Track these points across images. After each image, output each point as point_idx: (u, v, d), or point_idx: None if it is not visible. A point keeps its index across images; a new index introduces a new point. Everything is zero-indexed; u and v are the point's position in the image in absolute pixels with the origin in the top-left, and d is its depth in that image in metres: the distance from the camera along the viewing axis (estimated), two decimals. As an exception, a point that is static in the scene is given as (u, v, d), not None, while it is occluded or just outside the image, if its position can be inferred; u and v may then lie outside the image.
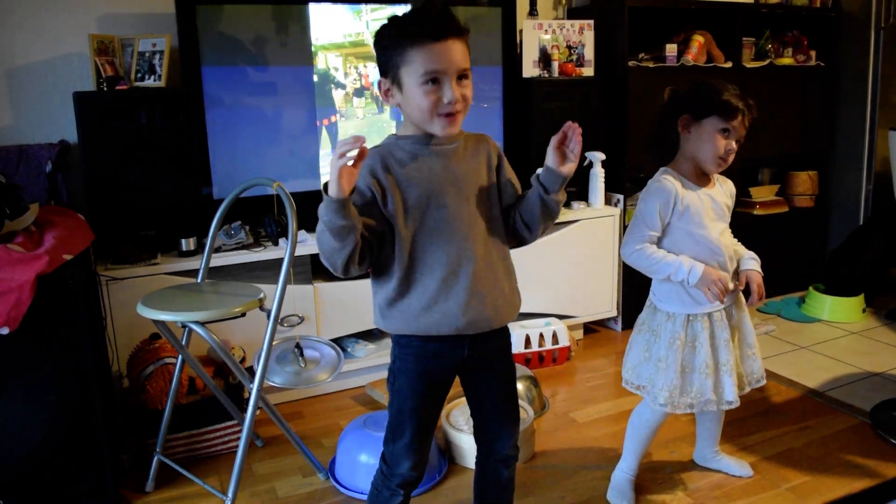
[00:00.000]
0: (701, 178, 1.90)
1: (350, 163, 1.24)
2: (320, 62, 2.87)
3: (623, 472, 2.10)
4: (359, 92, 2.96)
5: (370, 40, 2.94)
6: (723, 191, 1.94)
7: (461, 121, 1.41)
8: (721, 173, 1.92)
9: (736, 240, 1.98)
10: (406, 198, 1.41)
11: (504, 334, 1.58)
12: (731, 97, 1.78)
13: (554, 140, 1.41)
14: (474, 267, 1.44)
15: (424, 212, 1.41)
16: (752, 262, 1.92)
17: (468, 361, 1.51)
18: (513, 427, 1.62)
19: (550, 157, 1.42)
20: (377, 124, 3.02)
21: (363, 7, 2.89)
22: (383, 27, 1.39)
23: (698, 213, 1.84)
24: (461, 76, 1.37)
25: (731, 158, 1.82)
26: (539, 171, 1.48)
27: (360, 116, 2.98)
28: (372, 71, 2.96)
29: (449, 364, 1.51)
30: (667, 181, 1.84)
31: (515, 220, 1.53)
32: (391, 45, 1.36)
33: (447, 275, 1.42)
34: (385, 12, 2.91)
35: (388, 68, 1.38)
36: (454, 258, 1.43)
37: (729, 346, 1.89)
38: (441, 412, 1.59)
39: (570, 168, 1.42)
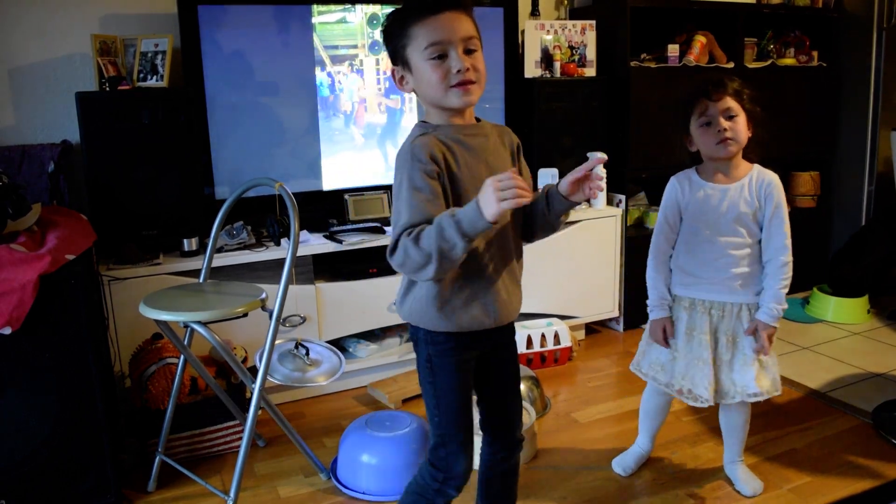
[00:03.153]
0: (721, 174, 1.93)
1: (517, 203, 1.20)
2: (322, 62, 2.87)
3: (635, 445, 2.24)
4: (360, 91, 2.96)
5: (371, 39, 2.94)
6: (747, 189, 1.89)
7: (478, 93, 1.38)
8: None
9: (778, 274, 1.88)
10: (453, 191, 1.38)
11: (513, 322, 1.60)
12: (688, 93, 1.90)
13: (576, 172, 1.37)
14: (509, 264, 1.47)
15: (464, 196, 1.38)
16: (764, 315, 1.89)
17: (489, 350, 1.54)
18: (521, 410, 1.68)
19: (564, 184, 1.40)
20: (372, 124, 3.03)
21: (364, 7, 2.89)
22: (388, 16, 1.41)
23: (700, 212, 1.92)
24: (469, 49, 1.36)
25: (734, 136, 1.83)
26: (551, 185, 1.46)
27: (355, 115, 2.99)
28: (370, 72, 2.97)
29: (476, 354, 1.53)
30: (670, 184, 1.99)
31: None
32: (395, 29, 1.37)
33: (490, 272, 1.43)
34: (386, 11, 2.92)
35: (397, 53, 1.39)
36: (494, 255, 1.43)
37: (704, 343, 1.93)
38: None
39: (579, 198, 1.41)
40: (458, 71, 1.34)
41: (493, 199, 1.19)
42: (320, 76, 2.87)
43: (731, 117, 1.83)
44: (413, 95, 1.48)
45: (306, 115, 2.89)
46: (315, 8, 2.81)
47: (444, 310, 1.42)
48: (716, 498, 2.09)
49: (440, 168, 1.35)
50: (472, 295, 1.43)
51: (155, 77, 2.61)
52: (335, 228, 2.83)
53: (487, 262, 1.43)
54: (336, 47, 2.88)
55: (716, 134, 1.84)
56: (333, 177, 2.97)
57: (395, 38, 1.38)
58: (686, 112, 1.89)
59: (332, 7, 2.84)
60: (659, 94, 3.33)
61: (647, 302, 2.02)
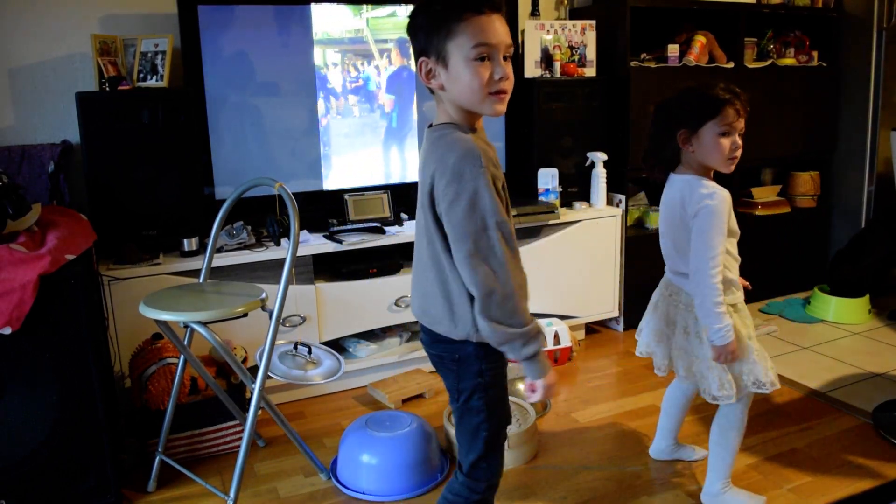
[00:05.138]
0: None
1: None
2: (322, 62, 2.87)
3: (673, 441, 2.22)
4: (356, 91, 2.96)
5: (371, 39, 2.94)
6: None
7: (507, 102, 1.36)
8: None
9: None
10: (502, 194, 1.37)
11: None
12: (716, 94, 1.78)
13: None
14: None
15: (507, 211, 1.38)
16: None
17: None
18: None
19: None
20: (371, 124, 3.03)
21: (364, 7, 2.89)
22: (422, 6, 1.34)
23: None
24: (506, 57, 1.33)
25: (739, 153, 1.81)
26: None
27: (355, 115, 2.99)
28: (372, 70, 2.97)
29: None
30: (725, 193, 1.81)
31: None
32: (436, 20, 1.31)
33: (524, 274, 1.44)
34: (385, 11, 2.92)
35: (431, 46, 1.32)
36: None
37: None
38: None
39: None
40: (500, 78, 1.31)
41: (552, 385, 1.38)
42: (327, 72, 2.87)
43: (740, 136, 1.80)
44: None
45: (306, 115, 2.89)
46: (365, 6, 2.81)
47: None
48: (716, 498, 2.09)
49: (501, 177, 1.35)
50: (525, 295, 1.44)
51: (155, 77, 2.61)
52: (335, 228, 2.83)
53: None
54: (340, 43, 2.89)
55: (731, 148, 1.78)
56: (333, 177, 2.97)
57: (432, 31, 1.31)
58: (708, 112, 1.77)
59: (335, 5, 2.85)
60: (659, 94, 3.31)
61: (725, 324, 1.78)
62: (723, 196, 1.80)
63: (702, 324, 1.84)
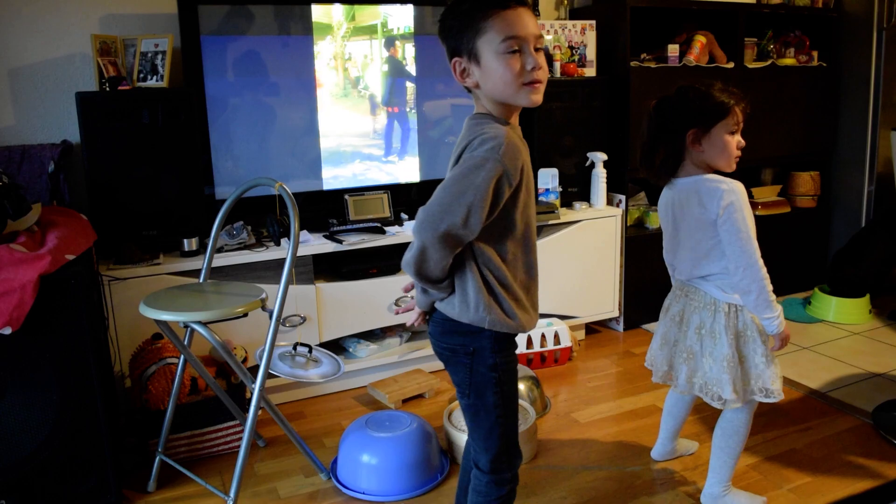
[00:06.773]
0: None
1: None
2: (323, 62, 2.87)
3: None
4: (356, 90, 2.96)
5: (372, 37, 2.94)
6: None
7: (543, 93, 1.37)
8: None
9: None
10: (529, 186, 1.39)
11: None
12: (723, 97, 1.81)
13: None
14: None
15: (528, 202, 1.40)
16: None
17: None
18: None
19: None
20: (372, 124, 3.03)
21: (365, 6, 2.89)
22: (451, 7, 1.38)
23: None
24: (537, 48, 1.35)
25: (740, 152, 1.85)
26: None
27: (356, 115, 2.98)
28: (374, 69, 2.97)
29: None
30: (736, 185, 1.81)
31: None
32: (464, 20, 1.34)
33: (536, 274, 1.46)
34: (386, 10, 2.92)
35: (462, 45, 1.36)
36: (536, 253, 1.47)
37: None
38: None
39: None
40: (532, 68, 1.33)
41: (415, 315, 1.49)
42: (327, 71, 2.87)
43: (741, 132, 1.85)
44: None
45: (306, 115, 2.89)
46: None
47: (520, 307, 1.43)
48: (716, 498, 2.09)
49: (520, 178, 1.35)
50: (534, 291, 1.47)
51: (155, 77, 2.61)
52: (335, 228, 2.83)
53: (536, 264, 1.47)
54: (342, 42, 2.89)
55: (738, 147, 1.82)
56: (334, 177, 2.97)
57: (461, 30, 1.35)
58: (719, 113, 1.79)
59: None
60: (659, 94, 3.32)
61: (780, 310, 1.82)
62: (740, 188, 1.80)
63: (759, 318, 1.83)
